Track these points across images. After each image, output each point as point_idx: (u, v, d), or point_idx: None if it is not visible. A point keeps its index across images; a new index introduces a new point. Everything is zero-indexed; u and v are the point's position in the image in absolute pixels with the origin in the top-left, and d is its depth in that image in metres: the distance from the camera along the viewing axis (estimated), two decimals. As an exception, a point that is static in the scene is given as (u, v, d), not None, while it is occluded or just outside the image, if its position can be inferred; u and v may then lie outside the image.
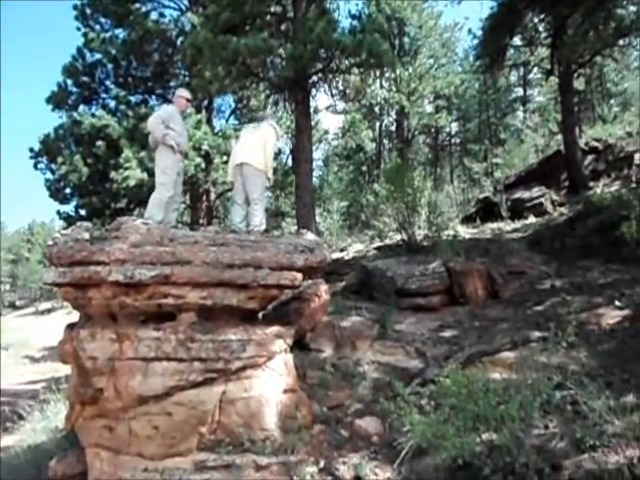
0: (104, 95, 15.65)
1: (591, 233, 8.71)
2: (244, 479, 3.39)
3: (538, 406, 3.19)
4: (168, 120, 5.27)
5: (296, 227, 10.40)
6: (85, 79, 15.11)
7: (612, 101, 23.98)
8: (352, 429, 3.95)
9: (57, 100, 14.87)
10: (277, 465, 3.51)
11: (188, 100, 5.90)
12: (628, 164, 13.03)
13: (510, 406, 2.99)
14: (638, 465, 2.69)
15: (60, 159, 13.44)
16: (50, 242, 4.08)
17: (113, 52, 14.70)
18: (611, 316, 5.35)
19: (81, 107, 15.09)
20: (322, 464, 3.52)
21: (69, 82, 15.01)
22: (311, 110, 13.69)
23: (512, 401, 3.03)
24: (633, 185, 11.26)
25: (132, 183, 12.39)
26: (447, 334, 5.95)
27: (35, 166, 14.59)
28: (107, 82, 15.62)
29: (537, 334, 4.98)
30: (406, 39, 21.68)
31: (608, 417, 3.09)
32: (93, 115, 14.01)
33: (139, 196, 14.03)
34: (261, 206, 5.20)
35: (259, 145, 5.25)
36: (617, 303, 5.68)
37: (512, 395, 3.13)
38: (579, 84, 19.62)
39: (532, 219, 11.84)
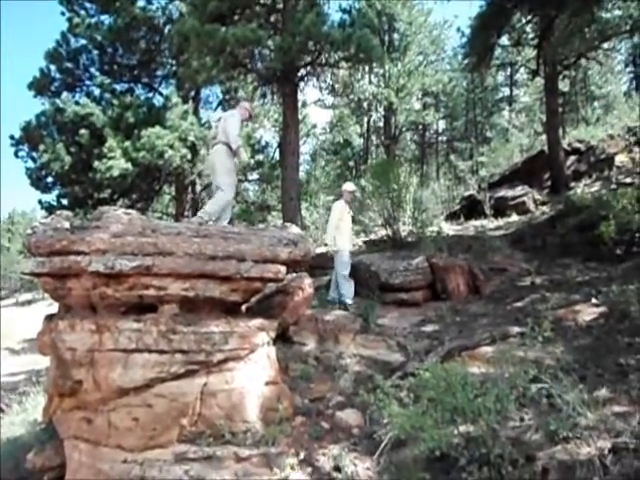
0: (88, 82, 15.38)
1: (571, 232, 8.88)
2: (224, 470, 3.40)
3: (514, 399, 3.26)
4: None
5: (282, 221, 10.39)
6: (69, 65, 14.83)
7: (595, 103, 24.36)
8: (333, 421, 3.99)
9: (39, 86, 14.58)
10: (258, 457, 3.52)
11: (250, 116, 6.19)
12: (609, 165, 13.29)
13: (487, 399, 3.05)
14: (609, 456, 2.77)
15: (42, 147, 13.19)
16: (29, 231, 4.01)
17: (98, 38, 14.45)
18: (587, 313, 5.46)
19: (64, 94, 14.78)
20: (302, 455, 3.55)
21: (52, 68, 14.73)
22: (299, 104, 13.67)
23: (489, 394, 3.10)
24: (613, 186, 11.47)
25: (116, 173, 12.23)
26: (429, 329, 6.02)
27: (16, 154, 14.31)
28: (92, 69, 15.34)
29: (516, 329, 5.07)
30: (396, 35, 21.69)
31: (581, 410, 3.17)
32: (77, 103, 13.76)
33: (123, 186, 13.89)
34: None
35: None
36: (594, 300, 5.81)
37: (489, 388, 3.19)
38: (564, 86, 19.89)
39: (514, 217, 12.03)
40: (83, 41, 14.76)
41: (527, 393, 3.50)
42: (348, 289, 6.86)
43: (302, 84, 12.48)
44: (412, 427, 3.05)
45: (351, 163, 24.60)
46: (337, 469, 3.34)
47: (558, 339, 4.71)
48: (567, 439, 2.98)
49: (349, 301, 6.78)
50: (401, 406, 3.44)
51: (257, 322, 4.16)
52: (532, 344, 4.20)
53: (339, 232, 7.01)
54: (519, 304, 6.48)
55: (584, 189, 11.80)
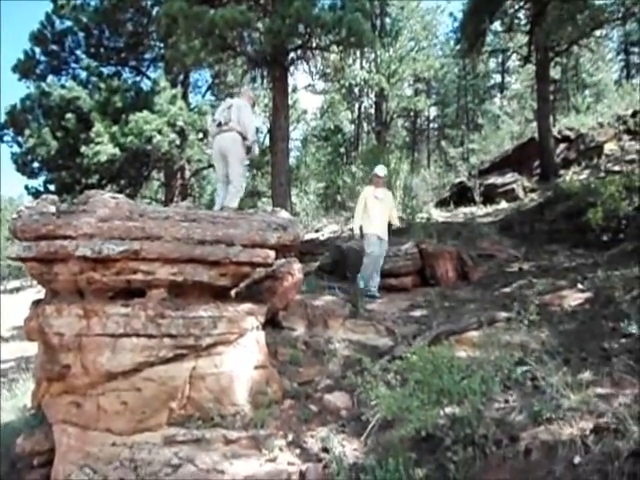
0: (74, 65, 15.10)
1: (559, 219, 8.98)
2: (214, 452, 3.43)
3: (499, 381, 3.32)
4: None
5: (271, 207, 10.36)
6: (54, 48, 14.53)
7: (586, 91, 24.41)
8: (321, 404, 4.03)
9: (24, 69, 14.28)
10: (246, 439, 3.56)
11: (253, 103, 6.37)
12: (598, 154, 13.38)
13: (472, 381, 3.10)
14: (590, 436, 2.83)
15: (27, 132, 12.97)
16: (15, 215, 3.97)
17: (84, 20, 14.15)
18: (573, 298, 5.55)
19: (50, 77, 14.54)
20: (291, 437, 3.59)
21: (37, 50, 14.42)
22: (289, 88, 13.54)
23: (474, 376, 3.15)
24: (602, 174, 11.57)
25: (103, 158, 12.09)
26: (417, 314, 6.08)
27: (1, 138, 14.05)
28: (78, 52, 15.04)
29: (503, 314, 5.13)
30: (387, 20, 21.46)
31: (564, 392, 3.23)
32: (63, 86, 13.52)
33: (111, 172, 13.73)
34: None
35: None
36: (580, 286, 5.89)
37: (475, 371, 3.24)
38: (555, 73, 19.90)
39: (504, 204, 12.12)
40: (68, 23, 14.44)
41: (512, 376, 3.57)
42: (375, 279, 6.81)
43: (292, 68, 12.34)
44: (399, 409, 3.09)
45: (342, 149, 24.49)
46: (325, 450, 3.39)
47: (544, 324, 4.78)
48: (550, 420, 3.04)
49: (377, 293, 6.75)
50: (388, 388, 3.49)
51: (246, 307, 4.17)
52: (518, 328, 4.26)
53: (367, 218, 6.92)
54: (506, 290, 6.56)
55: (573, 177, 11.88)
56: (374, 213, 6.95)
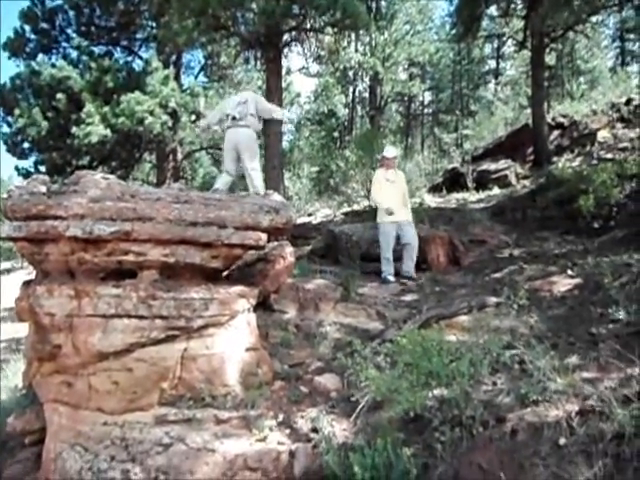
0: (65, 44, 14.84)
1: (551, 205, 9.03)
2: (205, 432, 3.46)
3: (487, 364, 3.37)
4: None
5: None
6: (45, 26, 14.25)
7: (581, 78, 24.38)
8: (312, 385, 4.06)
9: (14, 47, 14.01)
10: (237, 419, 3.59)
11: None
12: (591, 141, 13.42)
13: (461, 364, 3.14)
14: (576, 418, 2.88)
15: (17, 111, 12.76)
16: (5, 195, 3.92)
17: (74, -2, 13.85)
18: (563, 284, 5.60)
19: (40, 56, 14.26)
20: (281, 418, 3.62)
21: (27, 28, 14.13)
22: (283, 70, 13.39)
23: (463, 359, 3.19)
24: (594, 161, 11.62)
25: (95, 140, 11.94)
26: (408, 298, 6.11)
27: (-10, 118, 13.83)
28: (68, 30, 14.77)
29: (493, 299, 5.18)
30: (383, 2, 21.22)
31: (552, 375, 3.28)
32: (53, 65, 13.28)
33: (102, 153, 13.60)
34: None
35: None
36: (569, 272, 5.95)
37: (463, 354, 3.29)
38: (550, 59, 19.81)
39: (496, 190, 12.16)
40: (59, 1, 14.17)
41: (500, 359, 3.62)
42: (386, 265, 6.77)
43: (286, 50, 12.21)
44: (388, 390, 3.14)
45: (335, 134, 24.37)
46: (315, 430, 3.43)
47: (533, 309, 4.83)
48: (537, 402, 3.09)
49: (390, 278, 6.70)
50: (378, 370, 3.53)
51: (238, 289, 4.17)
52: (508, 313, 4.32)
53: (380, 202, 6.81)
54: (497, 275, 6.61)
55: (566, 164, 11.93)
56: (387, 195, 6.79)
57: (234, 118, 5.51)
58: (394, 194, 6.85)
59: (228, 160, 5.75)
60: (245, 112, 5.49)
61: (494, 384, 3.48)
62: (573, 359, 3.70)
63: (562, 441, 2.75)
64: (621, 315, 4.28)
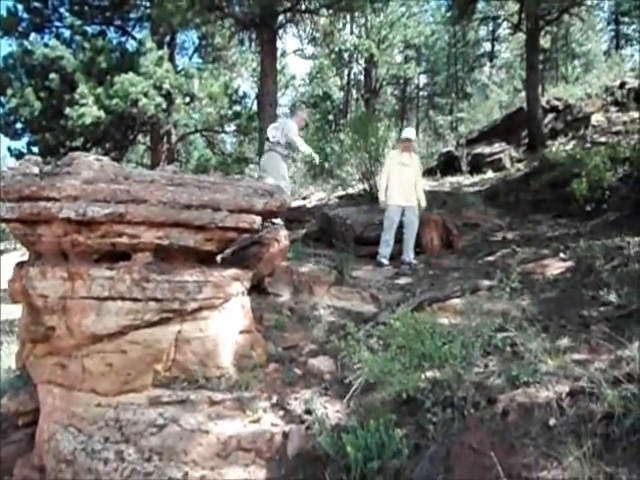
0: (58, 23, 14.49)
1: (544, 189, 9.05)
2: (198, 413, 3.48)
3: (479, 347, 3.40)
4: None
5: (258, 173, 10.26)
6: (37, 4, 13.91)
7: (576, 62, 24.25)
8: (305, 368, 4.10)
9: (6, 26, 13.67)
10: (231, 401, 3.61)
11: (306, 124, 7.15)
12: (585, 125, 13.40)
13: (453, 346, 3.16)
14: (566, 399, 2.93)
15: (10, 91, 12.52)
16: (-4, 176, 3.87)
17: (68, -24, 13.52)
18: (555, 267, 5.65)
19: (33, 35, 13.96)
20: (275, 399, 3.65)
21: (19, 7, 13.80)
22: (278, 52, 13.22)
23: (455, 342, 3.21)
24: (588, 145, 11.62)
25: (88, 121, 11.76)
26: (402, 281, 6.14)
27: (-18, 98, 13.57)
28: (61, 9, 14.42)
29: (486, 282, 5.22)
30: (378, -17, 20.85)
31: (542, 357, 3.33)
32: (46, 45, 13.00)
33: (96, 135, 13.42)
34: None
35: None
36: (562, 255, 5.99)
37: (456, 336, 3.31)
38: (545, 42, 19.64)
39: (490, 174, 12.16)
40: (52, -21, 13.81)
41: (492, 341, 3.66)
42: (383, 247, 6.77)
43: (281, 32, 12.03)
44: (381, 372, 3.16)
45: (330, 117, 24.16)
46: (308, 412, 3.46)
47: (525, 292, 4.88)
48: (527, 384, 3.13)
49: (384, 261, 6.72)
50: (371, 353, 3.55)
51: (232, 272, 4.17)
52: (500, 296, 4.35)
53: (390, 184, 6.73)
54: (490, 258, 6.65)
55: (559, 147, 11.92)
56: (397, 179, 6.71)
57: (267, 139, 6.84)
58: (406, 178, 6.78)
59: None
60: (274, 136, 6.63)
61: (486, 366, 3.52)
62: (564, 341, 3.75)
63: (552, 422, 2.79)
64: (612, 298, 4.33)
